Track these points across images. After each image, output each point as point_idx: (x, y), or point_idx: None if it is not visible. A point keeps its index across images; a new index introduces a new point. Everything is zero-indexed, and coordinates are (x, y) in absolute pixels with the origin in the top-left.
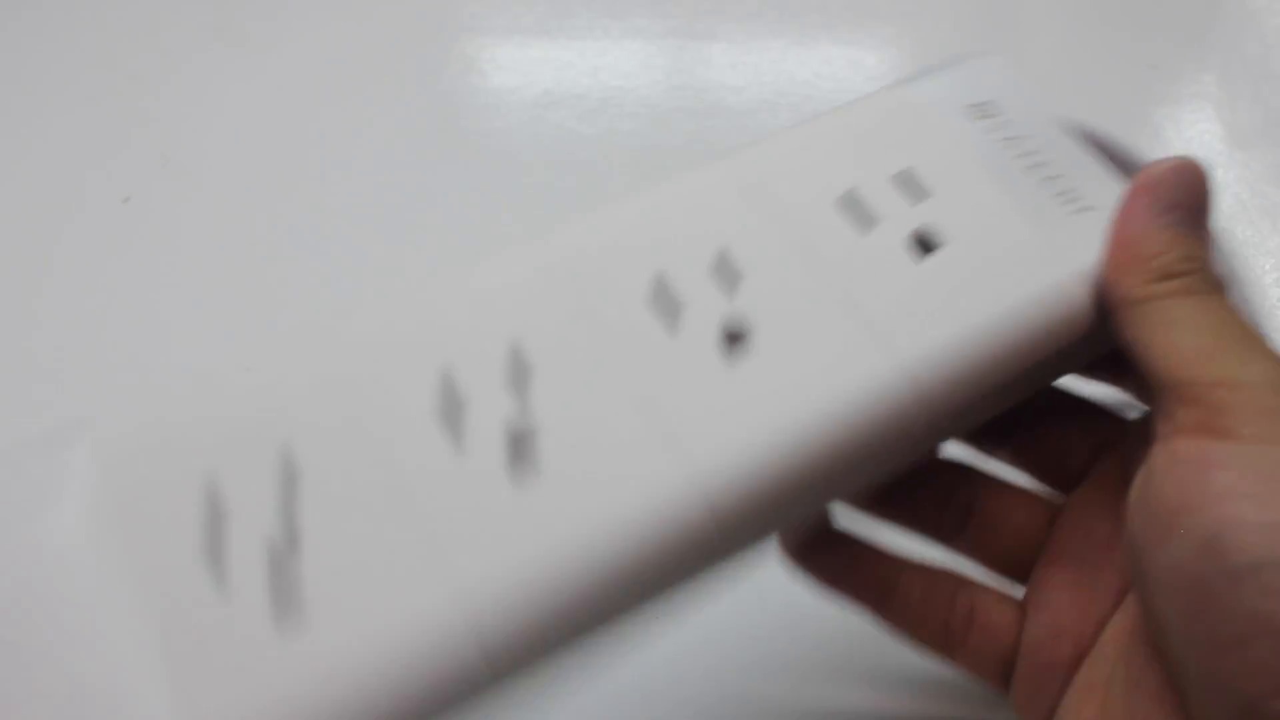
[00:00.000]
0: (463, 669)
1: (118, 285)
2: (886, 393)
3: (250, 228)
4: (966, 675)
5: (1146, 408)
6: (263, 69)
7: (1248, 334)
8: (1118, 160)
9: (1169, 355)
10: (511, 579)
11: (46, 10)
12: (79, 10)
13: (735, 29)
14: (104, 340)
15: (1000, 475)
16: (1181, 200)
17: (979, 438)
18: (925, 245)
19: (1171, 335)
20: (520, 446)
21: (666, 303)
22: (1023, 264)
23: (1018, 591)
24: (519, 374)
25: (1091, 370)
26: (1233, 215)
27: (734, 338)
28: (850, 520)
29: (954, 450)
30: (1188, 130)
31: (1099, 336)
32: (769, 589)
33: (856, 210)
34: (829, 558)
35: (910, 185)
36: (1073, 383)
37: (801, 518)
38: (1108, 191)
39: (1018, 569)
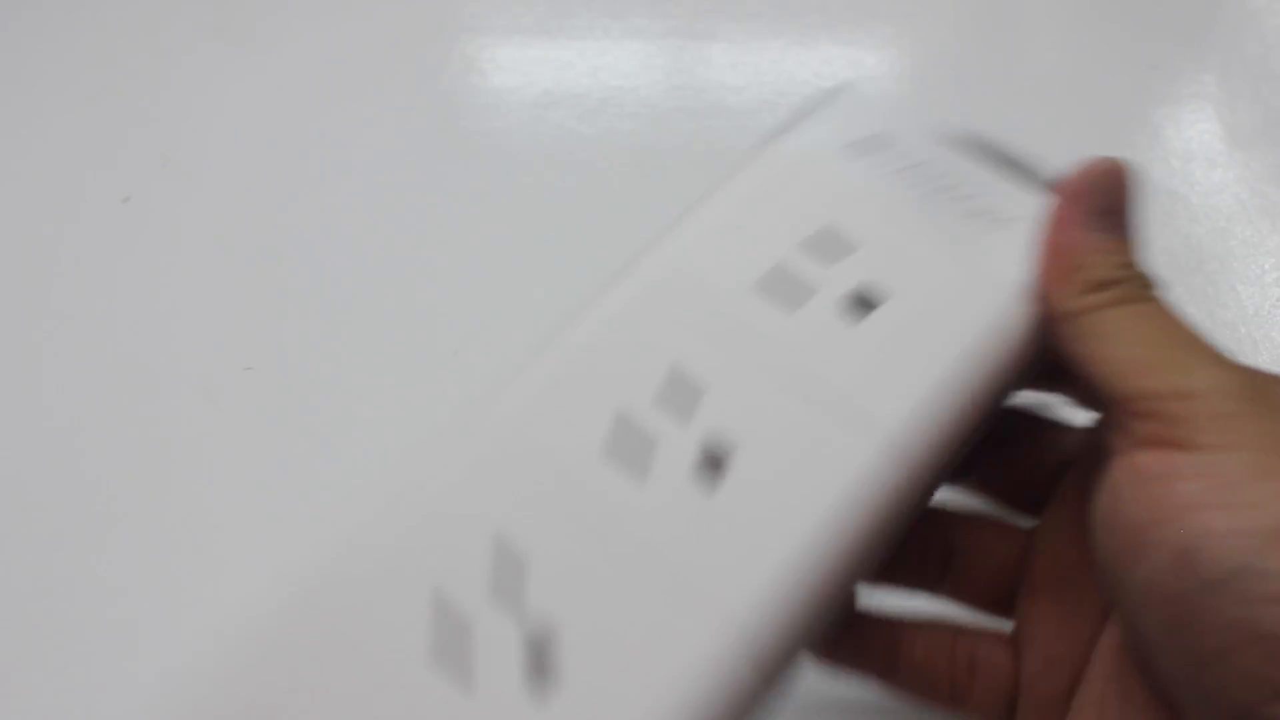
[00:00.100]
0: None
1: (118, 285)
2: (879, 475)
3: (250, 227)
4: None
5: (1094, 412)
6: (263, 69)
7: (1188, 338)
8: (1009, 163)
9: (1114, 368)
10: None
11: (46, 10)
12: (79, 10)
13: (735, 29)
14: (104, 340)
15: (973, 510)
16: (1109, 204)
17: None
18: (863, 303)
19: (1113, 348)
20: (540, 657)
21: (634, 447)
22: (962, 297)
23: (1011, 626)
24: (504, 577)
25: (1034, 383)
26: (1233, 215)
27: (713, 464)
28: None
29: None
30: (1188, 130)
31: (1041, 350)
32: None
33: (780, 289)
34: (834, 635)
35: (824, 246)
36: (1020, 398)
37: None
38: (1016, 202)
39: (1006, 605)
